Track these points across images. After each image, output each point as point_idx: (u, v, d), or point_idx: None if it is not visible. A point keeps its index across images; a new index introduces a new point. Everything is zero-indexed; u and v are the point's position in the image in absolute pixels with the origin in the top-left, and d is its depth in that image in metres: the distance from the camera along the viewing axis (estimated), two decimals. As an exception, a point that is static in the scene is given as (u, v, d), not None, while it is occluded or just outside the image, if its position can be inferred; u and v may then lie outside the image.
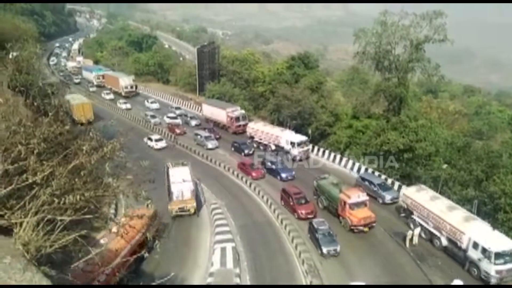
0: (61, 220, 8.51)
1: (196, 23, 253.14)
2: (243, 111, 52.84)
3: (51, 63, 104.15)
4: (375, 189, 33.68)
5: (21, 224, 7.49)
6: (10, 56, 33.79)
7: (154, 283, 14.90)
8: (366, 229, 28.41)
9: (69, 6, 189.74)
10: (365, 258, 26.23)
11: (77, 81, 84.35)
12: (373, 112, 51.71)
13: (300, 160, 41.63)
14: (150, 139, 47.17)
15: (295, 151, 41.83)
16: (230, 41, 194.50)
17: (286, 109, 50.92)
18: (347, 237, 28.14)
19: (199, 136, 46.96)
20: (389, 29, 46.82)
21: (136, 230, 21.68)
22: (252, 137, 47.48)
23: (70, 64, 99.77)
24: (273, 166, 38.86)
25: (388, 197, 33.15)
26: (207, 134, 47.20)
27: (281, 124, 52.17)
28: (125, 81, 72.54)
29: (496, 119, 68.53)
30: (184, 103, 67.00)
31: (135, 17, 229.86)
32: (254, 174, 37.97)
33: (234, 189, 36.73)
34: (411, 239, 27.53)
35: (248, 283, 23.66)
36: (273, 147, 44.38)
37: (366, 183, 34.62)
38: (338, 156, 42.40)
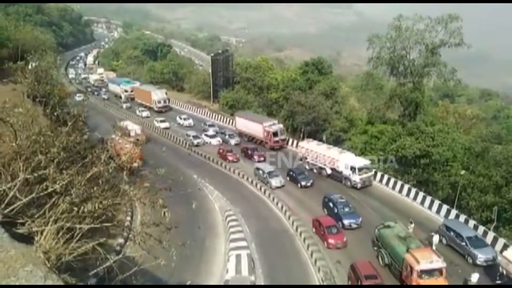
0: (80, 228, 8.65)
1: (209, 31, 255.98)
2: (281, 125, 48.99)
3: (70, 76, 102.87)
4: (463, 243, 26.03)
5: (41, 232, 7.63)
6: (30, 67, 34.66)
7: None
8: None
9: (86, 17, 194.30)
10: None
11: (105, 96, 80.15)
12: (388, 117, 51.23)
13: (362, 187, 36.33)
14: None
15: (356, 178, 36.06)
16: (243, 49, 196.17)
17: (300, 115, 50.86)
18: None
19: (261, 171, 39.03)
20: (403, 34, 46.43)
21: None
22: (305, 158, 42.00)
23: (93, 77, 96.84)
24: (335, 209, 30.88)
25: (481, 257, 25.04)
26: (270, 168, 39.14)
27: (294, 130, 52.00)
28: (158, 95, 67.57)
29: (515, 123, 66.97)
30: (206, 112, 65.88)
31: (150, 26, 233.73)
32: (331, 241, 27.47)
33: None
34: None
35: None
36: (329, 171, 39.02)
37: (452, 234, 27.19)
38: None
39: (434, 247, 26.77)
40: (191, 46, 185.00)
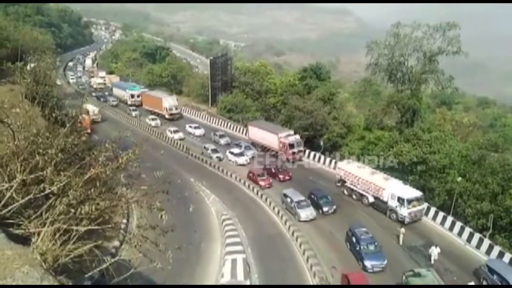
0: (76, 230, 8.65)
1: (209, 35, 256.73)
2: (297, 136, 45.66)
3: (70, 80, 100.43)
4: None
5: (38, 233, 7.63)
6: (28, 67, 34.62)
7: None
8: None
9: (85, 18, 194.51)
10: None
11: (114, 103, 75.15)
12: (385, 124, 51.46)
13: (411, 222, 31.10)
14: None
15: (404, 211, 30.73)
16: (242, 53, 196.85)
17: (298, 120, 50.92)
18: None
19: (289, 199, 33.43)
20: (402, 41, 46.80)
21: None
22: (343, 181, 37.24)
23: (95, 81, 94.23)
24: (357, 245, 26.50)
25: None
26: (300, 197, 33.30)
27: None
28: (169, 102, 63.35)
29: (511, 132, 67.37)
30: (205, 116, 64.94)
31: (149, 29, 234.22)
32: None
33: None
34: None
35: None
36: (371, 199, 34.07)
37: (495, 277, 23.07)
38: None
39: (432, 261, 26.52)
40: (190, 50, 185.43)
